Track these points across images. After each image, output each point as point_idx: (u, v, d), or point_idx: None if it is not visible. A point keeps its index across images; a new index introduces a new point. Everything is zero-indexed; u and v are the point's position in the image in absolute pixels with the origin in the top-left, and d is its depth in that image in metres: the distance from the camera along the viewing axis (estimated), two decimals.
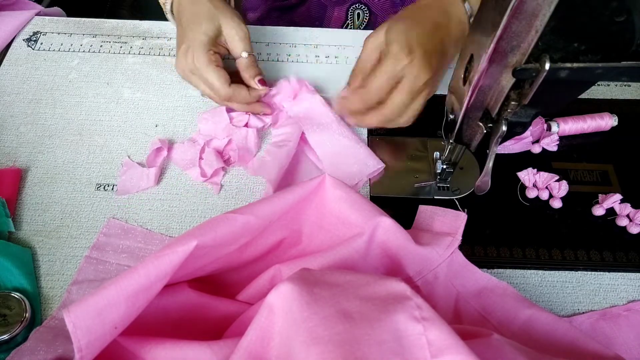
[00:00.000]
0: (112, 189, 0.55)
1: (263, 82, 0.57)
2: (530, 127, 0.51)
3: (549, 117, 0.59)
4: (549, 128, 0.58)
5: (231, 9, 0.57)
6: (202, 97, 0.61)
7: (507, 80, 0.37)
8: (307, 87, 0.60)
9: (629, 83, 0.64)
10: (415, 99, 0.51)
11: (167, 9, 0.61)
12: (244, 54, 0.57)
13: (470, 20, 0.52)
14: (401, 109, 0.51)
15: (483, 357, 0.31)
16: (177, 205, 0.54)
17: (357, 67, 0.54)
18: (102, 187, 0.55)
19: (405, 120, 0.52)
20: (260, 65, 0.58)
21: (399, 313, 0.33)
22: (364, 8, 0.74)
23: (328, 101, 0.59)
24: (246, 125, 0.58)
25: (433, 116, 0.53)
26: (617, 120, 0.59)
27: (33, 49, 0.66)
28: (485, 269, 0.50)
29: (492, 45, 0.35)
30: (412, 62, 0.48)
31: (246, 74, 0.57)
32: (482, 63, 0.36)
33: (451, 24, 0.52)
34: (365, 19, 0.75)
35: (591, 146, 0.57)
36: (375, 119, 0.52)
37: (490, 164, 0.44)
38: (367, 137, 0.60)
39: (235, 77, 0.56)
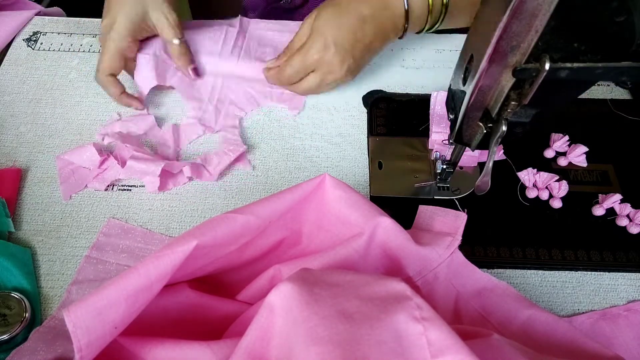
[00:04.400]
0: (112, 188, 0.55)
1: (196, 71, 0.59)
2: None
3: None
4: None
5: None
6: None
7: (507, 80, 0.37)
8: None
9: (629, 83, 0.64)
10: (321, 87, 0.58)
11: None
12: (175, 41, 0.57)
13: (407, 15, 0.55)
14: (310, 90, 0.59)
15: (483, 357, 0.31)
16: (177, 205, 0.54)
17: (290, 44, 0.58)
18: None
19: (302, 92, 0.60)
20: None
21: (399, 313, 0.33)
22: None
23: None
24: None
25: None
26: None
27: (33, 49, 0.66)
28: (485, 269, 0.50)
29: (492, 45, 0.35)
30: (326, 56, 0.54)
31: (179, 62, 0.58)
32: (482, 63, 0.36)
33: (383, 16, 0.54)
34: None
35: (591, 146, 0.57)
36: (288, 90, 0.61)
37: (490, 164, 0.44)
38: (367, 136, 0.60)
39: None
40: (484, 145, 0.44)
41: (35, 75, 0.63)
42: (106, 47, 0.56)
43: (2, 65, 0.64)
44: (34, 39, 0.67)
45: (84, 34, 0.67)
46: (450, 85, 0.45)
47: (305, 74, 0.57)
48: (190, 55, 0.58)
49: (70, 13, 0.72)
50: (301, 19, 0.78)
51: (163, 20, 0.55)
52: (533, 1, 0.32)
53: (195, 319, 0.43)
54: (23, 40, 0.66)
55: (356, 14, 0.54)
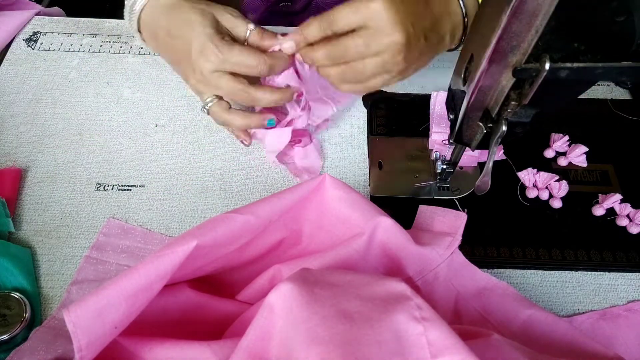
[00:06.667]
0: (112, 188, 0.55)
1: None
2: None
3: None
4: None
5: (206, 2, 0.51)
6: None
7: (507, 80, 0.37)
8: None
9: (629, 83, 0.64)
10: (374, 55, 0.46)
11: (134, 27, 0.53)
12: (251, 26, 0.50)
13: (465, 18, 0.49)
14: (357, 55, 0.46)
15: (483, 357, 0.31)
16: (177, 205, 0.54)
17: (329, 17, 0.47)
18: (102, 187, 0.55)
19: (361, 80, 0.48)
20: None
21: (399, 313, 0.33)
22: None
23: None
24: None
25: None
26: None
27: (33, 49, 0.66)
28: (485, 269, 0.50)
29: (492, 45, 0.35)
30: (389, 9, 0.44)
31: (265, 43, 0.50)
32: (482, 63, 0.36)
33: (448, 10, 0.49)
34: None
35: (591, 146, 0.57)
36: (323, 52, 0.47)
37: (490, 164, 0.44)
38: (367, 136, 0.60)
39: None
40: (484, 145, 0.44)
41: (35, 75, 0.63)
42: (216, 84, 0.49)
43: (2, 65, 0.64)
44: (34, 39, 0.67)
45: (84, 34, 0.67)
46: (450, 85, 0.45)
47: (353, 27, 0.45)
48: (271, 32, 0.50)
49: (70, 13, 0.72)
50: (300, 23, 0.78)
51: (228, 17, 0.50)
52: (533, 1, 0.32)
53: (195, 319, 0.43)
54: (23, 40, 0.66)
55: (422, 1, 0.46)
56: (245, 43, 0.51)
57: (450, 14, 0.49)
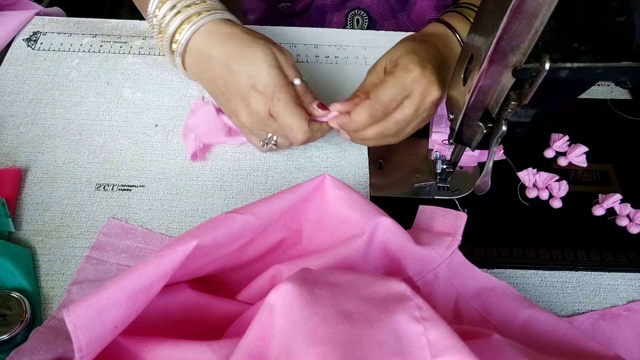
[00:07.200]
0: (112, 188, 0.55)
1: (322, 106, 0.50)
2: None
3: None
4: None
5: (263, 36, 0.50)
6: (261, 150, 0.53)
7: (507, 80, 0.37)
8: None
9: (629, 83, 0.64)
10: (419, 116, 0.49)
11: (177, 61, 0.51)
12: (297, 81, 0.49)
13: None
14: (405, 123, 0.48)
15: (483, 358, 0.31)
16: (177, 205, 0.54)
17: (361, 87, 0.50)
18: (102, 187, 0.55)
19: (402, 136, 0.50)
20: None
21: (399, 313, 0.33)
22: (363, 14, 0.74)
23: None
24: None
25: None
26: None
27: (33, 49, 0.66)
28: (485, 269, 0.50)
29: (492, 45, 0.35)
30: (424, 73, 0.47)
31: (304, 100, 0.49)
32: (482, 63, 0.36)
33: (451, 55, 0.52)
34: (365, 25, 0.75)
35: (591, 146, 0.57)
36: (375, 131, 0.49)
37: (490, 164, 0.44)
38: None
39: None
40: (484, 145, 0.44)
41: (35, 75, 0.63)
42: (285, 113, 0.47)
43: (2, 65, 0.64)
44: (34, 39, 0.67)
45: (84, 34, 0.67)
46: (450, 85, 0.45)
47: (401, 98, 0.47)
48: (312, 94, 0.50)
49: (70, 13, 0.72)
50: (300, 24, 0.78)
51: (282, 61, 0.48)
52: (533, 1, 0.32)
53: (195, 319, 0.43)
54: (23, 40, 0.66)
55: (434, 47, 0.50)
56: None
57: (454, 53, 0.52)
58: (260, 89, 0.47)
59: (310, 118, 0.49)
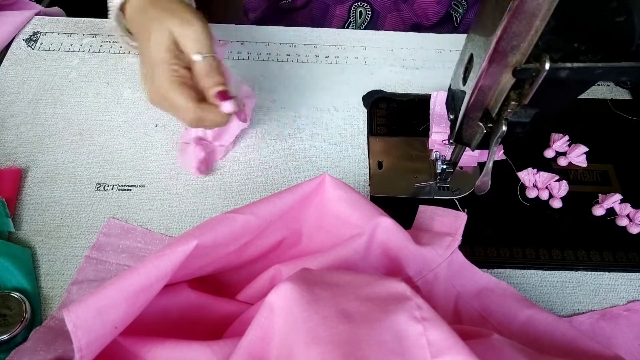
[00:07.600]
0: (112, 188, 0.55)
1: (223, 95, 0.45)
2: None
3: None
4: None
5: (186, 7, 0.46)
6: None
7: (507, 80, 0.37)
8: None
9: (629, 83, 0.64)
10: None
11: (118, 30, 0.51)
12: (197, 57, 0.44)
13: None
14: None
15: (483, 358, 0.31)
16: (177, 205, 0.54)
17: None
18: (102, 187, 0.55)
19: None
20: (260, 65, 0.57)
21: (399, 313, 0.33)
22: (366, 6, 0.74)
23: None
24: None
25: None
26: None
27: (33, 49, 0.66)
28: (485, 269, 0.50)
29: (492, 45, 0.35)
30: None
31: (204, 84, 0.46)
32: (482, 63, 0.36)
33: None
34: (368, 16, 0.75)
35: (591, 146, 0.57)
36: None
37: (490, 164, 0.44)
38: (367, 136, 0.60)
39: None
40: (484, 145, 0.44)
41: (35, 75, 0.63)
42: (167, 91, 0.45)
43: (2, 65, 0.64)
44: (34, 39, 0.67)
45: (84, 34, 0.67)
46: (450, 85, 0.45)
47: None
48: (218, 77, 0.46)
49: (70, 13, 0.72)
50: (303, 19, 0.78)
51: (184, 34, 0.45)
52: (533, 1, 0.32)
53: (195, 319, 0.43)
54: (23, 40, 0.66)
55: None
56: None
57: None
58: (157, 64, 0.45)
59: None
